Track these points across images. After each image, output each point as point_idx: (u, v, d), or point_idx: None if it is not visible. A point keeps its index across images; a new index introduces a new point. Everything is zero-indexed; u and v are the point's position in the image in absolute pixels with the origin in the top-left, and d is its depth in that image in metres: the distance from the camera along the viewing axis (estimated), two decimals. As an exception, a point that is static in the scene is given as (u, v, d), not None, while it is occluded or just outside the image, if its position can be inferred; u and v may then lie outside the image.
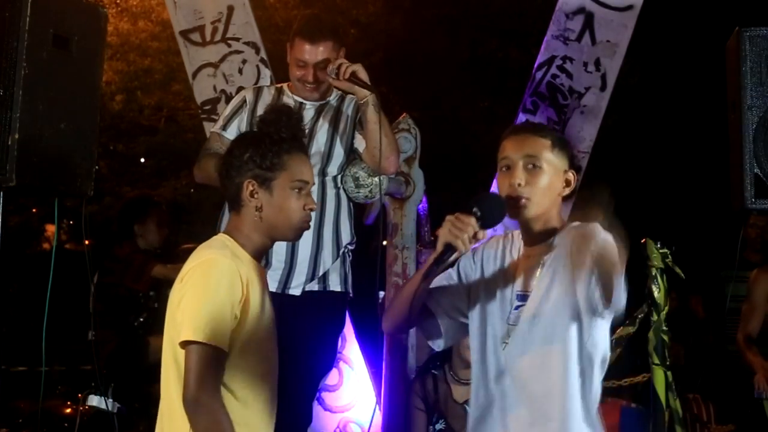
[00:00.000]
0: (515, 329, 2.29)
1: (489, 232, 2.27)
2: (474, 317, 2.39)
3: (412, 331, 4.43)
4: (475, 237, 2.19)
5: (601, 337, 2.29)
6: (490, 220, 2.22)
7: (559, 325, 2.24)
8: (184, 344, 2.16)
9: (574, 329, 2.24)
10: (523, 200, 2.28)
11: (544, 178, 2.29)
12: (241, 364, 2.23)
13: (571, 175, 2.35)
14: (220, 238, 2.34)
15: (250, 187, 2.32)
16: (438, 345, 2.50)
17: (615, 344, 3.57)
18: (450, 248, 2.19)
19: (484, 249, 2.45)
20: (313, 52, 3.36)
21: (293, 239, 2.47)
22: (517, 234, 2.42)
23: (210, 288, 2.19)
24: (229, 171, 2.35)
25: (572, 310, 2.22)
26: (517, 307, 2.30)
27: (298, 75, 3.41)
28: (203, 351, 2.14)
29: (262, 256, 2.41)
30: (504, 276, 2.37)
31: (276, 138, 2.34)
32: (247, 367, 2.25)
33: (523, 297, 2.30)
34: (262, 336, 2.30)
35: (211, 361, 2.15)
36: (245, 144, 2.37)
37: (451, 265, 2.38)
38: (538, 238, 2.33)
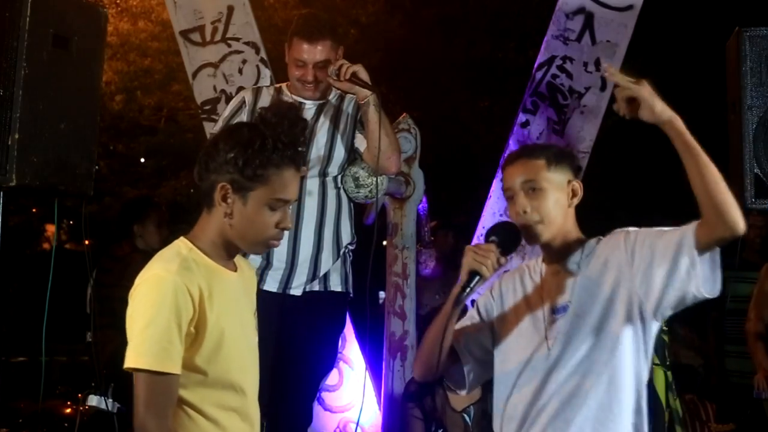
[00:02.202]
0: (560, 339, 2.28)
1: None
2: (500, 351, 2.40)
3: (412, 331, 4.44)
4: (498, 263, 2.26)
5: (651, 342, 2.29)
6: (509, 246, 2.30)
7: (607, 318, 2.24)
8: (129, 370, 2.03)
9: (625, 320, 2.24)
10: (534, 225, 2.31)
11: (547, 198, 2.32)
12: (208, 381, 2.10)
13: (576, 185, 2.37)
14: (176, 246, 2.16)
15: (223, 191, 2.11)
16: (463, 391, 2.53)
17: None
18: (475, 275, 2.25)
19: (501, 284, 2.48)
20: (311, 52, 3.35)
21: (257, 253, 2.29)
22: (534, 262, 2.45)
23: (152, 308, 2.02)
24: (207, 163, 2.13)
25: (624, 302, 2.24)
26: (556, 320, 2.30)
27: (297, 75, 3.41)
28: (148, 378, 1.99)
29: (231, 258, 2.22)
30: (530, 298, 2.39)
31: (268, 145, 2.09)
32: (217, 382, 2.11)
33: (561, 309, 2.31)
34: (233, 346, 2.14)
35: (158, 387, 2.00)
36: (233, 141, 2.12)
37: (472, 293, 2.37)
38: (564, 253, 2.35)
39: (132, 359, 2.02)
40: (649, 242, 2.22)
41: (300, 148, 2.17)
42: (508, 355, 2.37)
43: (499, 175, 4.71)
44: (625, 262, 2.25)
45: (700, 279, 2.13)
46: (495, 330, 2.43)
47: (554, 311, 2.31)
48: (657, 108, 2.15)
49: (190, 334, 2.06)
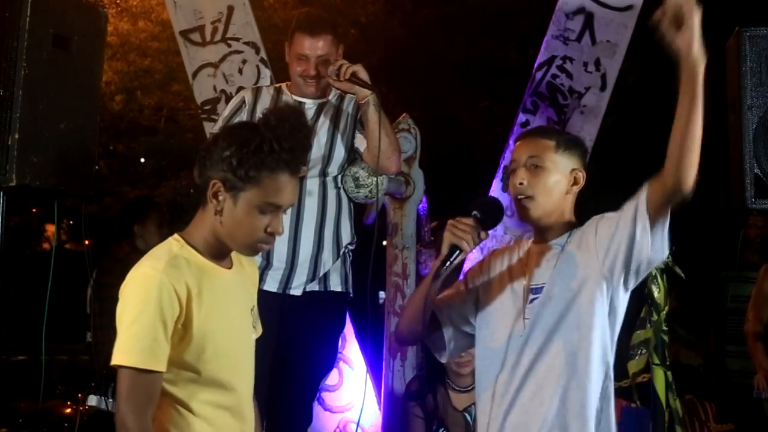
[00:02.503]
0: (531, 320, 2.32)
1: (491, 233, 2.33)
2: (482, 323, 2.43)
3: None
4: (478, 237, 2.28)
5: (620, 310, 2.34)
6: (490, 221, 2.33)
7: (577, 302, 2.28)
8: (113, 366, 2.04)
9: (594, 303, 2.28)
10: (526, 198, 2.34)
11: (546, 177, 2.35)
12: (197, 378, 2.10)
13: (579, 174, 2.40)
14: (168, 243, 2.16)
15: (215, 188, 2.10)
16: (443, 356, 2.54)
17: (638, 351, 3.58)
18: (455, 249, 2.27)
19: (492, 258, 2.51)
20: (313, 46, 3.35)
21: (248, 255, 2.25)
22: (525, 242, 2.48)
23: (138, 306, 2.03)
24: (205, 160, 2.13)
25: (594, 283, 2.27)
26: (532, 300, 2.33)
27: (299, 70, 3.41)
28: (131, 375, 2.01)
29: (224, 256, 2.22)
30: (513, 274, 2.41)
31: (265, 147, 2.07)
32: (207, 380, 2.12)
33: (538, 289, 2.34)
34: (224, 344, 2.14)
35: (139, 384, 2.01)
36: (231, 139, 2.11)
37: (458, 268, 2.40)
38: (552, 233, 2.38)
39: (117, 356, 2.03)
40: (613, 220, 2.28)
41: (299, 154, 2.13)
42: (491, 331, 2.39)
43: (499, 174, 4.72)
44: (593, 244, 2.29)
45: (652, 245, 2.21)
46: (479, 303, 2.45)
47: (532, 290, 2.35)
48: (696, 41, 2.14)
49: (178, 331, 2.07)
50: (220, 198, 2.11)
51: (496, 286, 2.43)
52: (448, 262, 2.28)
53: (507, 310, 2.37)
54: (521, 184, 2.34)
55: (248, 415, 2.24)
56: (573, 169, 2.39)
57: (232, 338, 2.19)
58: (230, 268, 2.24)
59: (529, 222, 2.39)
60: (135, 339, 2.02)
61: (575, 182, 2.40)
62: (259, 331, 2.36)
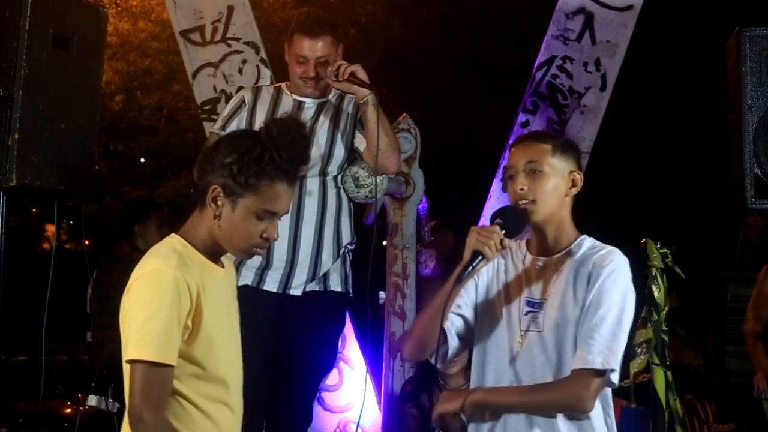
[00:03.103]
0: (528, 335, 2.31)
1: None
2: (479, 334, 2.42)
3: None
4: (501, 244, 2.27)
5: None
6: (514, 229, 2.32)
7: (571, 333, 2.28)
8: (129, 362, 2.08)
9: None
10: (528, 203, 2.34)
11: (546, 182, 2.35)
12: (202, 374, 2.16)
13: (577, 176, 2.40)
14: (171, 241, 2.21)
15: (215, 193, 2.17)
16: (440, 362, 2.52)
17: (639, 351, 3.58)
18: (477, 255, 2.26)
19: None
20: (312, 47, 3.36)
21: (242, 258, 2.31)
22: (516, 245, 2.46)
23: (154, 302, 2.08)
24: (205, 165, 2.20)
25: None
26: (528, 313, 2.33)
27: (298, 72, 3.41)
28: (147, 369, 2.05)
29: (219, 257, 2.27)
30: (511, 287, 2.40)
31: (266, 156, 2.14)
32: (210, 375, 2.17)
33: (537, 304, 2.33)
34: (223, 341, 2.21)
35: (156, 378, 2.06)
36: (233, 147, 2.19)
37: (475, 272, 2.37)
38: (552, 243, 2.38)
39: (134, 351, 2.07)
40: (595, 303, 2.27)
41: (298, 165, 2.21)
42: (488, 343, 2.38)
43: (499, 174, 4.72)
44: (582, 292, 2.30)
45: None
46: (477, 310, 2.44)
47: (530, 304, 2.34)
48: None
49: (188, 327, 2.12)
50: (219, 203, 2.17)
51: (493, 297, 2.42)
52: (470, 268, 2.26)
53: (505, 324, 2.36)
54: (522, 189, 2.34)
55: (240, 411, 2.29)
56: (570, 171, 2.39)
57: (228, 335, 2.26)
58: (222, 267, 2.30)
59: (532, 226, 2.39)
60: (153, 335, 2.06)
61: (573, 184, 2.40)
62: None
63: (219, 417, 2.19)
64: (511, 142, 2.47)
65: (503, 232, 2.28)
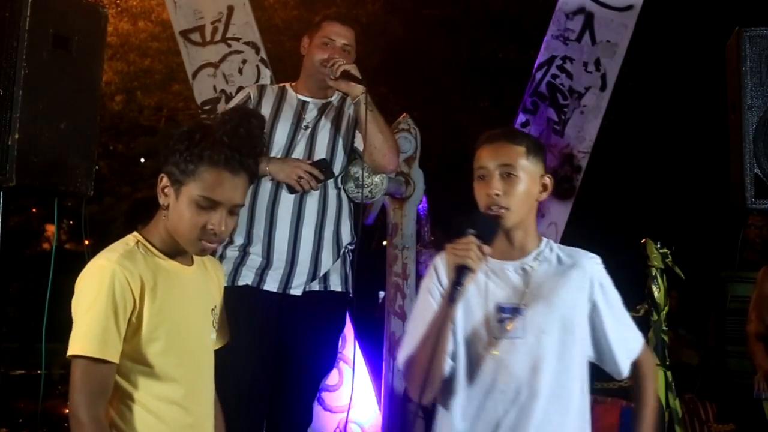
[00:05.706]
0: (503, 342, 2.25)
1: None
2: (456, 342, 2.32)
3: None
4: (481, 252, 2.18)
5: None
6: (488, 237, 2.22)
7: (555, 336, 2.26)
8: (69, 357, 2.04)
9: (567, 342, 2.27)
10: (503, 210, 2.27)
11: (520, 186, 2.28)
12: (149, 372, 2.10)
13: (547, 179, 2.35)
14: (125, 238, 2.17)
15: (163, 182, 2.13)
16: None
17: None
18: (463, 269, 2.17)
19: (440, 271, 2.36)
20: (341, 32, 3.46)
21: (194, 253, 2.21)
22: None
23: (90, 298, 2.03)
24: (161, 156, 2.17)
25: (565, 322, 2.27)
26: (502, 320, 2.26)
27: (320, 57, 3.41)
28: (85, 365, 2.01)
29: (182, 254, 2.20)
30: (480, 291, 2.31)
31: (208, 141, 2.08)
32: (159, 374, 2.11)
33: (514, 310, 2.27)
34: (178, 340, 2.14)
35: (93, 375, 2.01)
36: (183, 135, 2.14)
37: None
38: (518, 248, 2.33)
39: (70, 346, 2.04)
40: (610, 319, 2.32)
41: (242, 156, 2.11)
42: (463, 355, 2.29)
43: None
44: (584, 305, 2.30)
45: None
46: (455, 324, 2.32)
47: (502, 310, 2.27)
48: None
49: (132, 324, 2.07)
50: (166, 192, 2.13)
51: (462, 307, 2.30)
52: (459, 285, 2.18)
53: (479, 334, 2.28)
54: (497, 195, 2.26)
55: (201, 413, 2.22)
56: (541, 175, 2.33)
57: (187, 335, 2.18)
58: (190, 266, 2.24)
59: (502, 231, 2.31)
60: (87, 329, 2.02)
61: (544, 188, 2.34)
62: (225, 331, 2.37)
63: (170, 418, 2.13)
64: (480, 138, 2.37)
65: (479, 240, 2.18)
